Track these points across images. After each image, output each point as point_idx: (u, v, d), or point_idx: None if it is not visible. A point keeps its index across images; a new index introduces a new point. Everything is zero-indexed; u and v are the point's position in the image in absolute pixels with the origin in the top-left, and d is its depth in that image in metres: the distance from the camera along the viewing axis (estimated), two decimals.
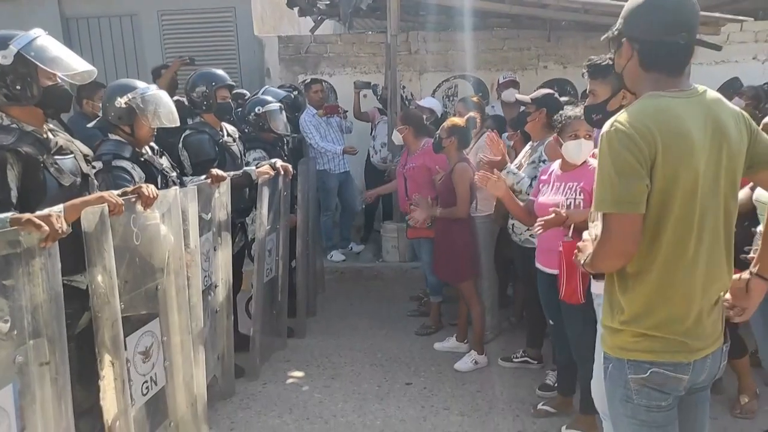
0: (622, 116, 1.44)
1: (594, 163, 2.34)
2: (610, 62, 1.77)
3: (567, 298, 2.47)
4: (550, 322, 2.92)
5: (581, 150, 2.63)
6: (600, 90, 2.39)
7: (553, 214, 2.48)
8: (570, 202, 2.62)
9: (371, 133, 5.87)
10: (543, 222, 2.54)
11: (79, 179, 2.11)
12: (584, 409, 2.82)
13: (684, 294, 1.47)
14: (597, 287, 2.24)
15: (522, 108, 3.43)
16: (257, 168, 3.45)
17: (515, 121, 3.46)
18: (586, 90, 2.77)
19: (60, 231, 1.67)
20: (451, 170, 3.62)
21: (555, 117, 2.77)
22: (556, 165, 2.78)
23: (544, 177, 2.84)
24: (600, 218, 1.48)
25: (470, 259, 3.62)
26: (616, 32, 1.55)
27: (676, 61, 1.48)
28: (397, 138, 4.19)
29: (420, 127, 4.21)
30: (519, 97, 3.37)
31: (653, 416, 1.51)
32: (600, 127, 2.03)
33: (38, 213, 1.69)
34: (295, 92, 5.26)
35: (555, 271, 2.66)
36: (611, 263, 1.50)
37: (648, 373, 1.48)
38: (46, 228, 1.64)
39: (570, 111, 2.74)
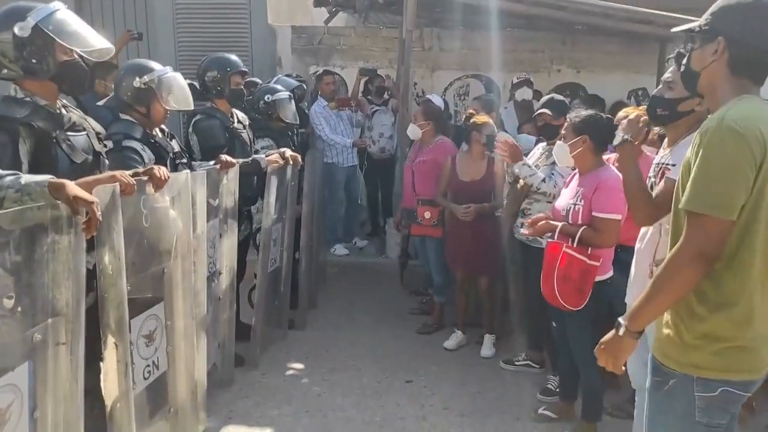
0: (733, 114, 1.34)
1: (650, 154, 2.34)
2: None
3: (547, 298, 2.53)
4: (554, 324, 2.90)
5: (561, 151, 2.69)
6: (679, 86, 2.11)
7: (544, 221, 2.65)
8: (570, 208, 2.63)
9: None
10: (531, 228, 2.70)
11: (90, 157, 2.08)
12: (586, 416, 2.80)
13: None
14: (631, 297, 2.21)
15: (540, 110, 3.39)
16: (267, 156, 3.42)
17: (544, 132, 3.41)
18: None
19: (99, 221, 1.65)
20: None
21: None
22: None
23: (567, 181, 2.89)
24: (685, 218, 1.39)
25: (492, 252, 3.67)
26: (706, 26, 1.43)
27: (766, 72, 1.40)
28: (416, 132, 4.12)
29: (439, 124, 4.20)
30: (541, 111, 3.34)
31: None
32: (659, 122, 1.98)
33: (80, 194, 1.64)
34: (303, 83, 5.24)
35: None
36: (690, 271, 1.37)
37: (718, 392, 1.41)
38: (82, 217, 1.61)
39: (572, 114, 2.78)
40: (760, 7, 1.38)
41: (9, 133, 1.86)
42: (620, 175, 2.55)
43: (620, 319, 1.54)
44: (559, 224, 2.62)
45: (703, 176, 1.34)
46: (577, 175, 2.77)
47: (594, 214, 2.55)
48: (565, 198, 2.75)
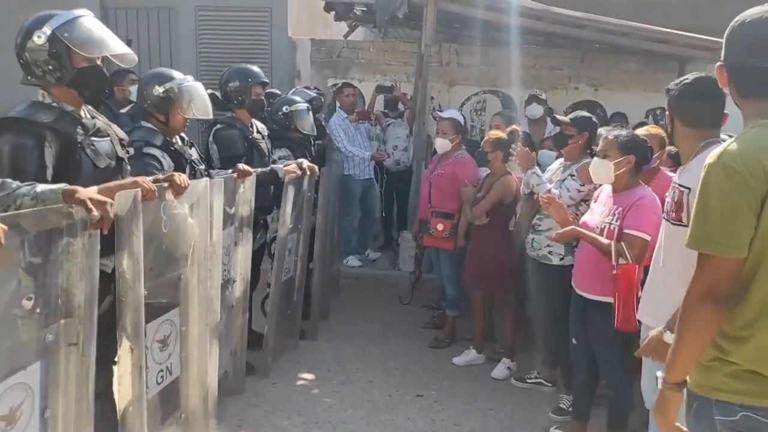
0: (731, 147, 1.32)
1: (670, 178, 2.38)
2: None
3: (621, 326, 2.39)
4: (573, 341, 2.87)
5: (603, 168, 2.65)
6: None
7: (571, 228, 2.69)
8: (605, 226, 2.61)
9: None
10: (557, 236, 2.76)
11: (113, 162, 2.12)
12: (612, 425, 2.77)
13: None
14: (645, 316, 2.18)
15: (554, 127, 3.41)
16: (284, 167, 3.45)
17: (556, 141, 3.44)
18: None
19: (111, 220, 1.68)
20: (496, 181, 3.64)
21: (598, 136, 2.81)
22: (608, 187, 2.76)
23: (596, 195, 2.87)
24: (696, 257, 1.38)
25: (510, 270, 3.65)
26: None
27: None
28: (445, 146, 4.09)
29: (463, 138, 4.26)
30: (560, 118, 3.35)
31: None
32: (670, 141, 1.99)
33: (93, 196, 1.69)
34: (321, 95, 5.28)
35: (592, 296, 2.69)
36: (704, 312, 1.35)
37: (738, 417, 1.36)
38: (96, 214, 1.64)
39: (604, 131, 2.76)
40: (735, 23, 1.40)
41: (36, 137, 1.90)
42: (656, 195, 2.58)
43: (657, 373, 1.51)
44: (588, 232, 2.63)
45: (702, 215, 1.33)
46: (607, 193, 2.75)
47: (625, 230, 2.54)
48: (598, 215, 2.72)
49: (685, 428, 1.48)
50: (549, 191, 3.11)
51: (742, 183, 1.28)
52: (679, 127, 2.09)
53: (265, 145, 3.68)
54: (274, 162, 3.69)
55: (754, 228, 1.29)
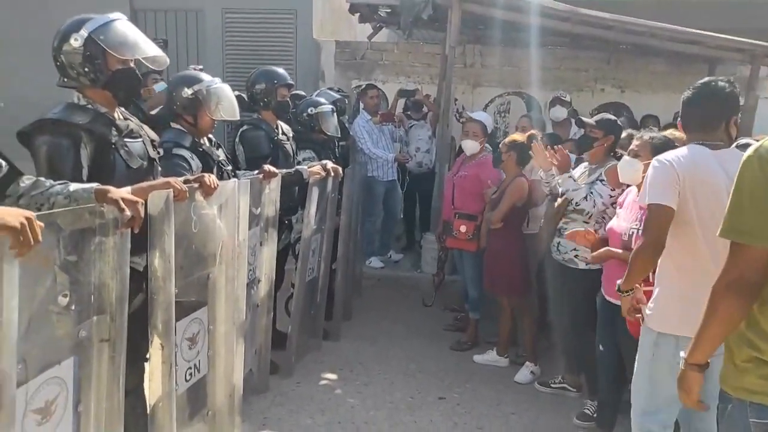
0: (767, 142, 1.36)
1: None
2: None
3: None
4: (600, 347, 2.84)
5: (633, 168, 2.62)
6: None
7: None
8: (633, 232, 2.57)
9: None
10: (591, 256, 2.73)
11: (145, 163, 2.16)
12: None
13: None
14: (653, 322, 2.14)
15: (578, 129, 3.38)
16: (309, 168, 3.48)
17: (580, 143, 3.39)
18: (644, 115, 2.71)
19: (142, 219, 1.72)
20: (509, 183, 3.60)
21: (624, 138, 2.77)
22: (635, 189, 2.72)
23: (621, 201, 2.83)
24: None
25: (525, 273, 3.63)
26: None
27: None
28: (474, 148, 4.09)
29: (490, 140, 4.29)
30: (585, 120, 3.32)
31: None
32: None
33: (125, 195, 1.73)
34: (345, 96, 5.31)
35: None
36: (730, 299, 1.39)
37: None
38: (129, 214, 1.68)
39: (637, 133, 2.75)
40: None
41: (72, 138, 1.95)
42: None
43: (681, 353, 1.56)
44: (620, 251, 2.58)
45: (736, 204, 1.36)
46: (633, 197, 2.70)
47: None
48: (624, 220, 2.67)
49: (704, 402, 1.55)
50: (585, 198, 3.09)
51: None
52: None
53: (290, 146, 3.71)
54: (299, 163, 3.72)
55: None
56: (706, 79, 2.15)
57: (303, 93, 4.70)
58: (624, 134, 3.60)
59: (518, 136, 3.71)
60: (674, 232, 2.01)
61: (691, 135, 2.13)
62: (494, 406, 3.32)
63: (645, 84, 6.30)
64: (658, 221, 1.99)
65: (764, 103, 5.38)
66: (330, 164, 3.63)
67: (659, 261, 2.07)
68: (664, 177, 1.99)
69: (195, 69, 4.35)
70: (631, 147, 2.69)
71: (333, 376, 3.60)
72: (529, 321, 3.74)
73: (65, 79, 2.06)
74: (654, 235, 1.99)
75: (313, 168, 3.48)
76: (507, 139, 3.71)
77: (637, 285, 2.16)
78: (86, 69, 2.00)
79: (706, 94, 2.08)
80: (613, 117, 3.37)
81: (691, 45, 5.01)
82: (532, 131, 3.90)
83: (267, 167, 3.03)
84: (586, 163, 3.39)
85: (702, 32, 4.90)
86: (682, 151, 2.07)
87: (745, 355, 1.40)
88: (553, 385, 3.51)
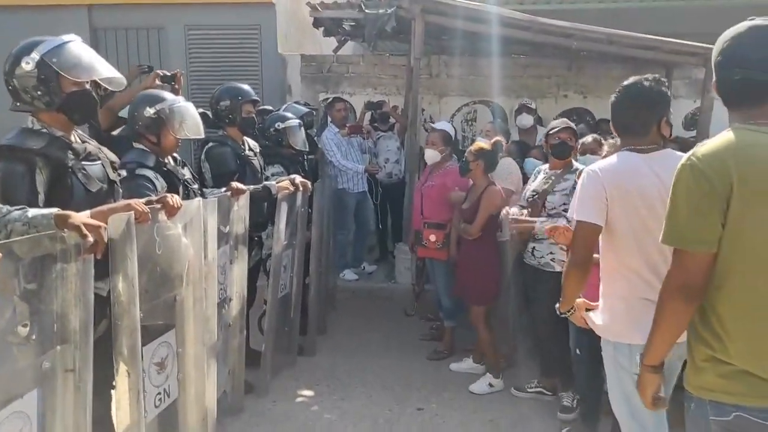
0: (701, 149, 1.40)
1: None
2: None
3: None
4: (577, 351, 2.87)
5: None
6: None
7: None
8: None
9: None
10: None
11: (105, 186, 2.11)
12: None
13: None
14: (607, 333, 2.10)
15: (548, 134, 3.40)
16: (277, 183, 3.45)
17: (558, 151, 3.37)
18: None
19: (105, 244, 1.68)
20: (482, 192, 3.63)
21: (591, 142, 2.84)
22: None
23: None
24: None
25: (495, 282, 3.63)
26: None
27: (741, 97, 1.44)
28: (435, 157, 4.12)
29: (453, 150, 4.30)
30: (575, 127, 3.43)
31: None
32: None
33: (87, 221, 1.69)
34: (313, 110, 5.30)
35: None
36: (676, 304, 1.44)
37: (732, 417, 1.39)
38: (91, 239, 1.64)
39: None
40: (725, 36, 1.46)
41: (26, 164, 1.90)
42: None
43: (637, 356, 1.61)
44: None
45: (672, 212, 1.42)
46: None
47: None
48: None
49: (663, 394, 1.60)
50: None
51: (703, 181, 1.35)
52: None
53: (257, 161, 3.68)
54: (267, 179, 3.69)
55: (720, 225, 1.36)
56: (632, 79, 2.02)
57: (270, 108, 4.67)
58: (590, 138, 3.68)
59: (484, 144, 3.73)
60: (610, 244, 1.98)
61: (624, 140, 2.05)
62: (471, 413, 3.32)
63: (606, 89, 6.43)
64: (584, 240, 1.95)
65: (719, 104, 5.53)
66: (299, 178, 3.61)
67: (601, 273, 2.06)
68: (592, 191, 1.94)
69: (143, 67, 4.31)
70: (606, 152, 2.76)
71: (310, 393, 3.56)
72: (485, 334, 3.66)
73: (18, 104, 2.01)
74: (580, 254, 1.96)
75: (281, 183, 3.45)
76: (473, 147, 3.70)
77: (578, 301, 2.12)
78: (40, 92, 1.95)
79: (632, 95, 1.99)
80: (572, 124, 3.46)
81: (647, 50, 5.16)
82: (497, 138, 3.94)
83: (234, 184, 3.00)
84: (545, 167, 3.41)
85: (657, 38, 5.05)
86: (611, 161, 2.02)
87: (702, 355, 1.44)
88: (529, 390, 3.53)
